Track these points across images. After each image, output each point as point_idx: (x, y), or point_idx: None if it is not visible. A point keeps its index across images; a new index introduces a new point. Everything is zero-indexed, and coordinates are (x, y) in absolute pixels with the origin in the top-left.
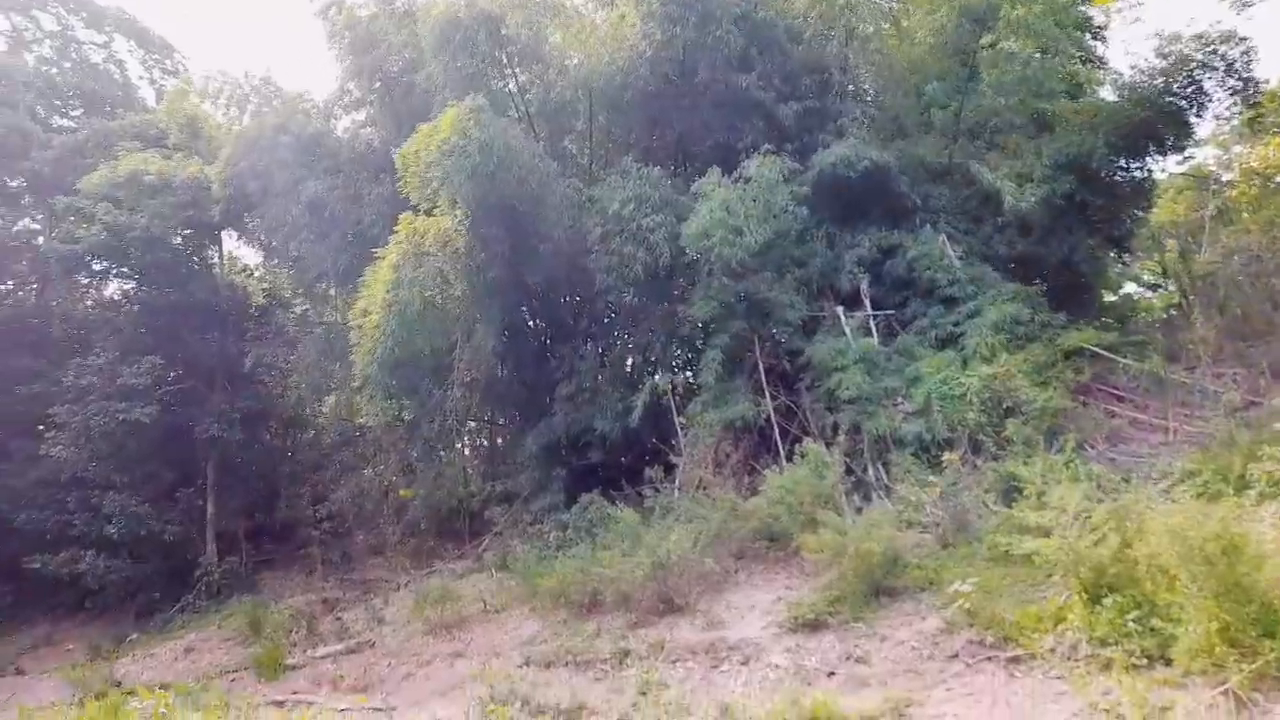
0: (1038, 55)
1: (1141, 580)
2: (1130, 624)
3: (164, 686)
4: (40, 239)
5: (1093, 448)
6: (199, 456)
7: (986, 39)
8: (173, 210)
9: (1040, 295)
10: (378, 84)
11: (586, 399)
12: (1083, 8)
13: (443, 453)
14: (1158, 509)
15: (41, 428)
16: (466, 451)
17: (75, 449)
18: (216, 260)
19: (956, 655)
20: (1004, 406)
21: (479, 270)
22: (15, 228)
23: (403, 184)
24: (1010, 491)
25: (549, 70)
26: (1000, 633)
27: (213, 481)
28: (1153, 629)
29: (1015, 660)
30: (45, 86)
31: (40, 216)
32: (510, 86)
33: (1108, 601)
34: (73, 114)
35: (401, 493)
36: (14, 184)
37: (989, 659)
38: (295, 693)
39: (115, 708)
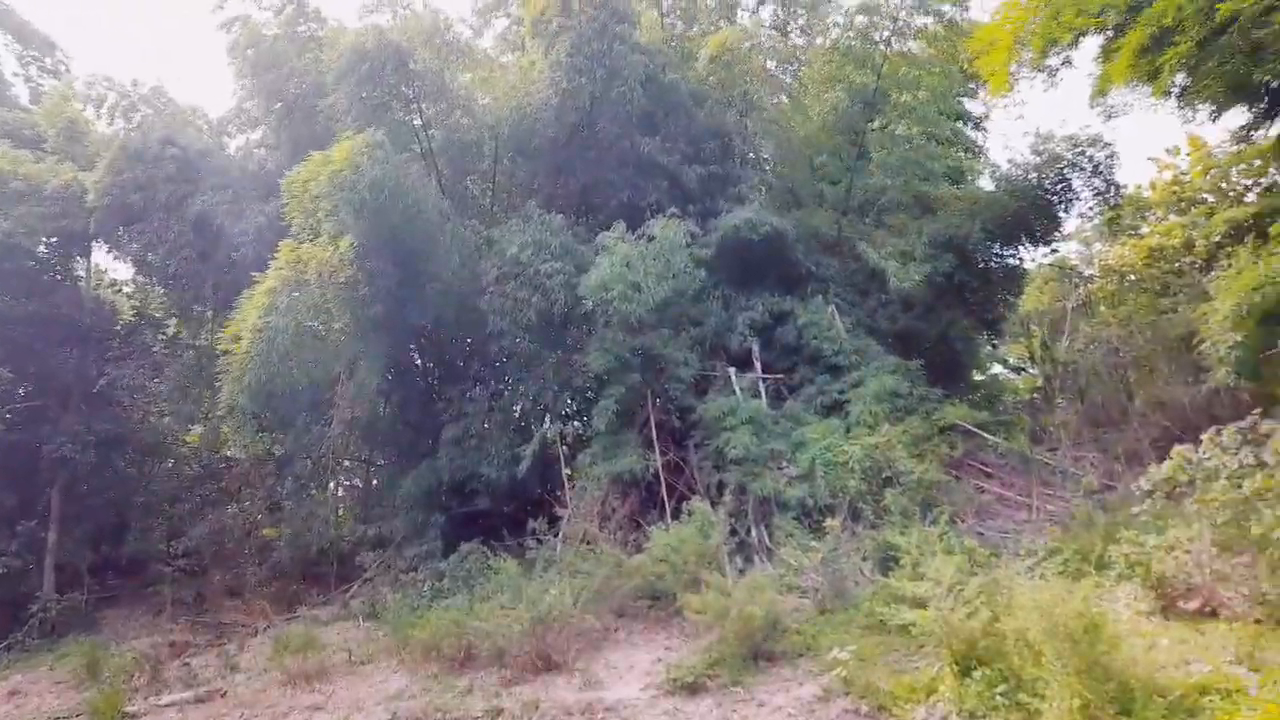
0: (922, 140)
1: (1010, 654)
2: (998, 697)
3: None
4: None
5: (964, 521)
6: (44, 481)
7: (876, 121)
8: (40, 219)
9: (919, 370)
10: (277, 105)
11: (473, 444)
12: (963, 99)
13: (315, 491)
14: (1025, 585)
15: None
16: (340, 492)
17: None
18: (84, 273)
19: None
20: (883, 476)
21: (363, 304)
22: None
23: (287, 210)
24: (887, 560)
25: (455, 109)
26: (875, 702)
27: (57, 509)
28: (1019, 703)
29: None
30: None
31: None
32: (415, 121)
33: (978, 674)
34: None
35: (265, 532)
36: None
37: None
38: None
39: None
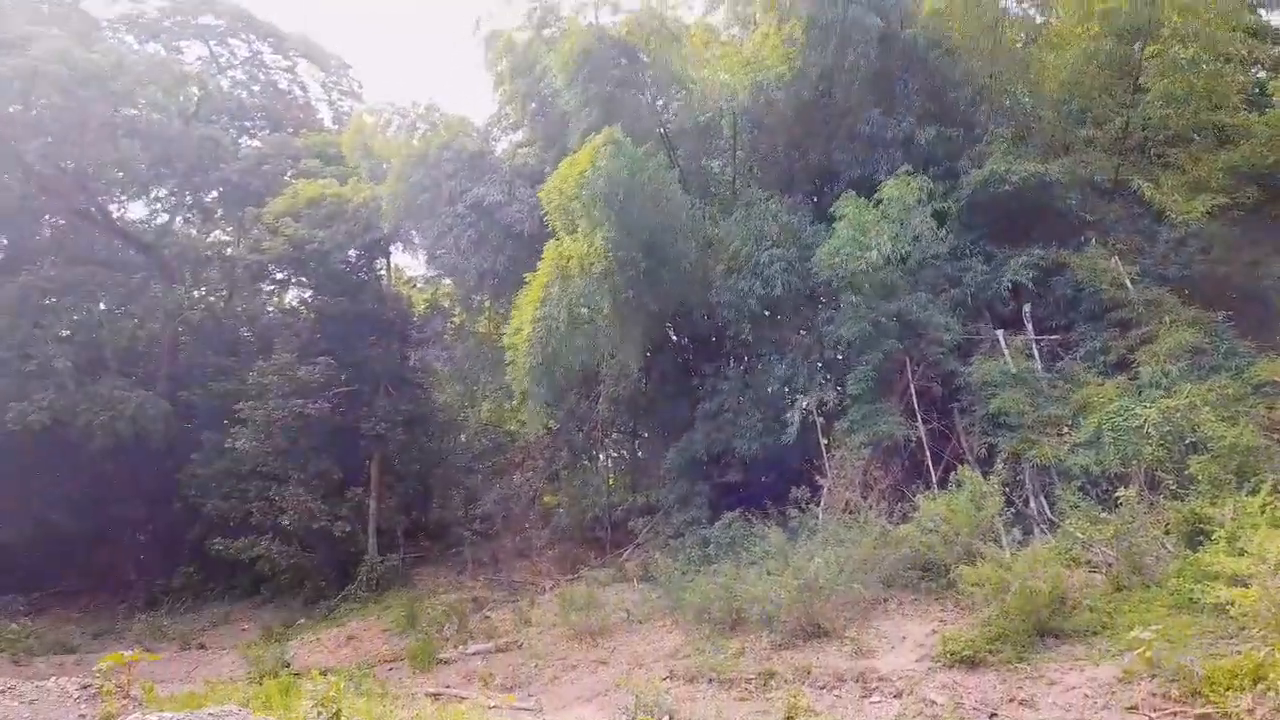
0: (1209, 64)
1: None
2: None
3: (328, 671)
4: (229, 249)
5: None
6: (363, 455)
7: (1150, 48)
8: (347, 233)
9: (1223, 321)
10: (532, 105)
11: (727, 419)
12: (1261, 12)
13: (586, 462)
14: None
15: (227, 422)
16: (609, 462)
17: (257, 442)
18: (384, 272)
19: (1136, 707)
20: (1186, 442)
21: (619, 291)
22: (209, 238)
23: (547, 215)
24: (1195, 534)
25: (689, 93)
26: (1188, 686)
27: (375, 480)
28: None
29: (1205, 718)
30: (236, 108)
31: (230, 229)
32: (649, 108)
33: None
34: (259, 133)
35: (546, 499)
36: (209, 197)
37: (1174, 714)
38: (448, 687)
39: (287, 687)
